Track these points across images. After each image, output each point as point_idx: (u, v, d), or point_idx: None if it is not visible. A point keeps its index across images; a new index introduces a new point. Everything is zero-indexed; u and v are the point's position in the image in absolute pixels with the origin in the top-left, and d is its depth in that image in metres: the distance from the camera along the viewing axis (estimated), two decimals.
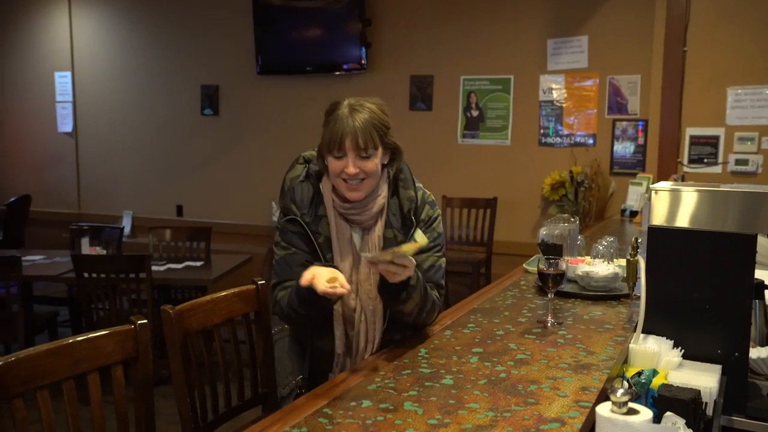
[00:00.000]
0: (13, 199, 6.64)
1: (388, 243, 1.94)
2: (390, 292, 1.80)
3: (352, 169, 1.85)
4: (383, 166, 1.96)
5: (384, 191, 1.97)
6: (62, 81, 7.34)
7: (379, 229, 1.96)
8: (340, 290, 1.66)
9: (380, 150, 1.90)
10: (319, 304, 1.77)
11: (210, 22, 6.56)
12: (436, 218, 2.03)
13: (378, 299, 1.93)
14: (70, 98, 7.32)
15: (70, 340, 1.66)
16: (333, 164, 1.89)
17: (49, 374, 1.58)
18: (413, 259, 1.73)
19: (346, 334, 1.97)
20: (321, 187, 2.00)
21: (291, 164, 2.11)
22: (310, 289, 1.70)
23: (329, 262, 1.92)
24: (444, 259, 2.01)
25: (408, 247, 1.71)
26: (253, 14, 6.15)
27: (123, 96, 7.09)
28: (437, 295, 1.95)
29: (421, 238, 1.78)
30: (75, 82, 7.29)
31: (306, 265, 1.84)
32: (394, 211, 1.99)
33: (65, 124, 7.36)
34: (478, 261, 5.14)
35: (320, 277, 1.68)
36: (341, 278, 1.69)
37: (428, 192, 2.06)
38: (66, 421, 1.63)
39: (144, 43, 6.96)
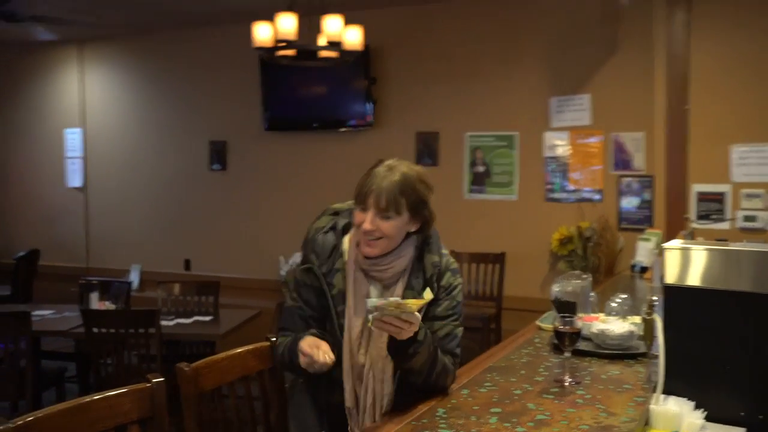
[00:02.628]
0: (21, 254, 6.64)
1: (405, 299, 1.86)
2: (398, 347, 1.77)
3: (368, 226, 1.85)
4: (409, 233, 1.95)
5: (409, 254, 1.96)
6: (72, 137, 7.46)
7: (399, 289, 1.95)
8: (318, 359, 1.75)
9: (405, 216, 1.88)
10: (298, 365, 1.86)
11: (218, 79, 6.69)
12: (457, 286, 1.99)
13: (388, 358, 1.89)
14: (80, 154, 7.42)
15: (87, 399, 1.64)
16: (357, 215, 1.90)
17: None
18: (418, 315, 1.71)
19: (355, 389, 1.94)
20: (343, 240, 2.00)
21: (318, 215, 2.10)
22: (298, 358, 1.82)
23: (340, 315, 1.93)
24: (461, 329, 1.98)
25: (414, 302, 1.68)
26: (260, 72, 6.25)
27: (133, 151, 7.19)
28: (451, 361, 1.91)
29: (428, 293, 1.75)
30: (86, 137, 7.40)
31: (308, 321, 1.96)
32: (416, 274, 1.97)
33: (75, 179, 7.44)
34: (488, 316, 5.09)
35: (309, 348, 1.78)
36: (324, 347, 1.77)
37: (453, 260, 2.04)
38: None
39: (154, 100, 7.09)
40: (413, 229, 1.94)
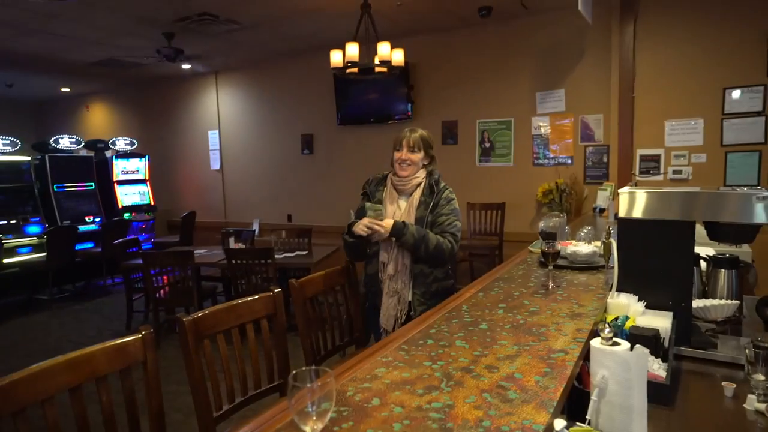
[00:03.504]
0: (184, 214, 6.88)
1: (421, 203, 2.22)
2: (392, 236, 2.13)
3: (404, 156, 2.22)
4: (424, 165, 2.27)
5: (421, 176, 2.27)
6: (213, 136, 7.61)
7: (417, 195, 2.25)
8: (360, 229, 2.12)
9: (422, 153, 2.24)
10: (356, 240, 2.18)
11: (306, 91, 6.68)
12: (453, 200, 2.26)
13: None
14: (217, 147, 7.58)
15: (234, 303, 1.73)
16: (395, 154, 2.24)
17: (223, 323, 1.66)
18: (386, 226, 2.11)
19: (387, 253, 2.19)
20: (387, 179, 2.31)
21: (372, 176, 2.41)
22: (353, 234, 2.16)
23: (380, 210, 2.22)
24: (459, 223, 2.23)
25: (389, 221, 2.12)
26: (334, 85, 6.23)
27: (251, 143, 7.29)
28: (450, 241, 2.16)
29: (379, 209, 2.16)
30: (221, 136, 7.54)
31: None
32: (426, 189, 2.26)
33: (215, 164, 7.62)
34: (493, 246, 5.08)
35: (358, 224, 2.14)
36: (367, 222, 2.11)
37: (450, 188, 2.31)
38: (234, 356, 1.71)
39: (263, 108, 7.14)
40: (426, 162, 2.28)
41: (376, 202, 2.25)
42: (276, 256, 4.32)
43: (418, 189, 2.25)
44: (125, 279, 4.73)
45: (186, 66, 6.66)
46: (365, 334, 2.25)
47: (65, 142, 7.33)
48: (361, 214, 2.24)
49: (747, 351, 1.34)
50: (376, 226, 2.09)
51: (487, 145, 5.55)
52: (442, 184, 2.27)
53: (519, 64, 5.29)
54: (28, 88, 8.33)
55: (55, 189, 6.77)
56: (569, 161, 5.10)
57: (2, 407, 1.10)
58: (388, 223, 2.11)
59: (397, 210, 2.24)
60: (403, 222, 2.13)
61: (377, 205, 2.15)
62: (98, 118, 8.99)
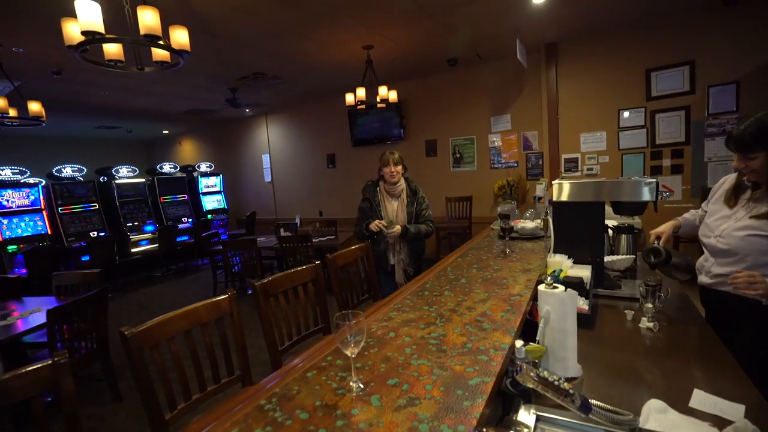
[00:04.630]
0: (248, 214, 6.88)
1: (408, 202, 2.33)
2: (401, 237, 2.27)
3: (393, 170, 2.32)
4: (401, 174, 2.38)
5: (403, 182, 2.39)
6: (265, 157, 7.56)
7: (404, 198, 2.37)
8: (376, 226, 2.21)
9: (400, 166, 2.34)
10: (371, 233, 2.26)
11: (328, 122, 6.60)
12: (425, 198, 2.42)
13: (404, 220, 2.32)
14: (269, 165, 7.55)
15: (288, 271, 1.75)
16: (384, 169, 2.34)
17: (282, 286, 1.67)
18: (398, 231, 2.22)
19: (394, 239, 2.30)
20: (378, 185, 2.40)
21: (366, 183, 2.46)
22: (369, 230, 2.24)
23: (380, 211, 2.32)
24: (430, 212, 2.39)
25: (396, 227, 2.23)
26: (348, 117, 6.18)
27: (291, 161, 7.24)
28: (430, 225, 2.32)
29: (397, 228, 2.23)
30: (271, 157, 7.52)
31: (364, 219, 2.33)
32: (408, 191, 2.39)
33: (267, 177, 7.59)
34: (465, 227, 5.06)
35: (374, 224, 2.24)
36: (379, 224, 2.22)
37: (421, 189, 2.44)
38: (291, 309, 1.73)
39: (300, 135, 7.08)
40: (402, 171, 2.39)
41: (376, 204, 2.35)
42: (313, 240, 4.32)
43: (403, 192, 2.37)
44: (211, 260, 4.75)
45: (246, 110, 6.64)
46: (379, 291, 2.27)
47: (167, 167, 7.37)
48: (362, 212, 2.39)
49: (640, 288, 1.36)
50: (393, 232, 2.23)
51: (458, 156, 5.52)
52: (418, 187, 2.43)
53: (478, 97, 5.23)
54: (141, 132, 8.35)
55: (161, 200, 6.84)
56: (515, 165, 5.08)
57: (143, 343, 1.20)
58: (398, 228, 2.27)
59: (393, 207, 2.38)
60: (406, 226, 2.29)
61: (392, 221, 2.28)
62: (188, 150, 8.97)
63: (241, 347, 1.44)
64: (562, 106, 4.59)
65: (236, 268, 4.37)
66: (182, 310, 1.29)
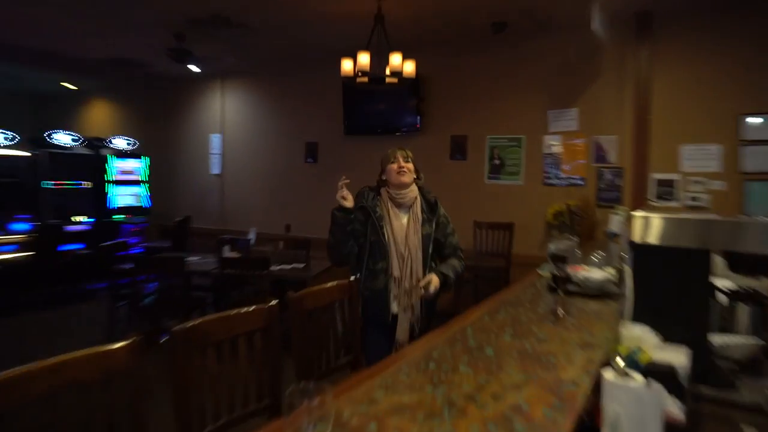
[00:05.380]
0: (179, 219, 6.87)
1: (424, 220, 2.38)
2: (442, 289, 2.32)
3: (402, 163, 2.36)
4: (414, 179, 2.42)
5: (415, 189, 2.42)
6: (215, 140, 7.63)
7: (417, 208, 2.39)
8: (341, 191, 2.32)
9: (411, 164, 2.40)
10: (341, 220, 2.34)
11: (313, 99, 6.70)
12: (449, 218, 2.48)
13: (419, 248, 2.35)
14: (219, 151, 7.59)
15: (228, 313, 1.70)
16: (390, 167, 2.39)
17: (215, 335, 1.63)
18: (435, 284, 2.25)
19: (400, 267, 2.31)
20: (380, 193, 2.45)
21: (362, 188, 2.55)
22: (338, 209, 2.34)
23: (383, 226, 2.34)
24: (457, 236, 2.49)
25: (434, 279, 2.26)
26: (342, 93, 6.24)
27: (253, 149, 7.30)
28: (461, 257, 2.45)
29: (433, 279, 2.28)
30: (224, 140, 7.56)
31: (348, 239, 2.40)
32: (423, 203, 2.43)
33: (215, 168, 7.62)
34: (500, 268, 5.03)
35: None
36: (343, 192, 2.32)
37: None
38: (223, 371, 1.67)
39: (268, 114, 7.17)
40: (414, 175, 2.42)
41: (377, 218, 2.37)
42: (272, 268, 4.28)
43: (416, 203, 2.39)
44: (112, 285, 4.68)
45: (193, 68, 6.71)
46: (362, 353, 2.21)
47: (63, 138, 7.34)
48: (353, 230, 2.42)
49: None
50: (431, 288, 2.25)
51: (497, 162, 5.55)
52: (437, 201, 2.47)
53: (532, 81, 5.30)
54: (28, 81, 8.38)
55: (51, 186, 6.75)
56: (581, 182, 5.09)
57: None
58: (436, 280, 2.28)
59: (402, 225, 2.35)
60: (443, 273, 2.32)
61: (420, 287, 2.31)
62: (99, 116, 9.05)
63: (137, 429, 1.37)
64: (657, 104, 4.64)
65: (150, 300, 4.32)
66: (49, 362, 1.22)
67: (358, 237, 2.38)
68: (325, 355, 2.08)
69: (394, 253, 2.32)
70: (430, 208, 2.41)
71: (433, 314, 2.41)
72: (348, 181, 2.32)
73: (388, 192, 2.41)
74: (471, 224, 5.35)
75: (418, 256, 2.34)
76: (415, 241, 2.34)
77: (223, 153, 7.56)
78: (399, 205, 2.39)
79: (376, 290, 2.32)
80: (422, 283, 2.23)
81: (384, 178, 2.42)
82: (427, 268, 2.36)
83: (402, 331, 2.28)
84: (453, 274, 2.34)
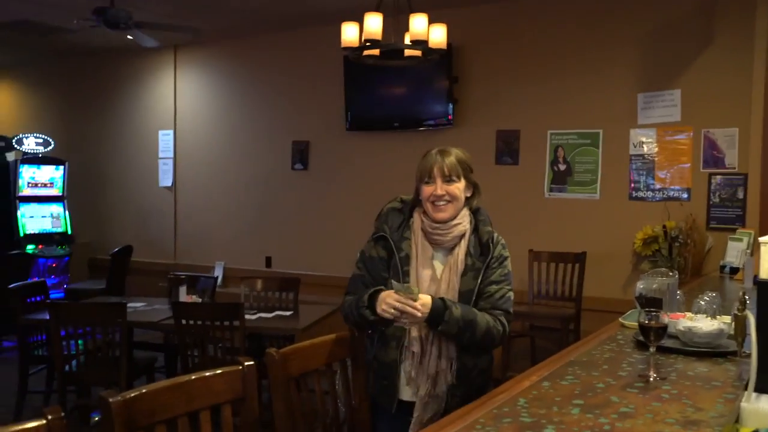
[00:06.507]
0: (116, 250, 6.94)
1: (468, 268, 2.27)
2: (429, 322, 2.15)
3: (439, 191, 2.24)
4: (466, 198, 2.33)
5: (465, 220, 2.32)
6: (165, 139, 7.79)
7: (461, 252, 2.29)
8: (385, 310, 2.11)
9: (463, 181, 2.29)
10: (371, 320, 2.19)
11: (303, 81, 6.84)
12: (507, 258, 2.35)
13: None
14: (171, 155, 7.74)
15: (185, 378, 1.74)
16: (424, 189, 2.28)
17: (167, 409, 1.66)
18: (422, 307, 2.08)
19: (421, 338, 2.23)
20: (412, 216, 2.36)
21: (385, 206, 2.46)
22: (371, 312, 2.16)
23: (406, 274, 2.27)
24: (512, 292, 2.34)
25: (425, 298, 2.11)
26: (344, 73, 6.36)
27: (219, 152, 7.44)
28: (504, 321, 2.26)
29: (416, 291, 2.10)
30: (176, 139, 7.71)
31: (368, 286, 2.27)
32: (473, 243, 2.32)
33: (166, 179, 7.76)
34: (567, 316, 5.02)
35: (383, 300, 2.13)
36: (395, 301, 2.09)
37: (500, 236, 2.39)
38: None
39: (241, 102, 7.32)
40: (469, 194, 2.34)
41: (402, 256, 2.27)
42: (247, 317, 4.31)
43: (463, 242, 2.30)
44: (20, 343, 4.74)
45: (132, 37, 6.87)
46: None
47: None
48: (371, 265, 2.33)
49: None
50: (409, 308, 2.07)
51: (563, 167, 5.58)
52: (496, 234, 2.36)
53: (613, 52, 5.37)
54: None
55: None
56: (685, 195, 5.10)
57: None
58: (426, 301, 2.11)
59: (434, 275, 2.27)
60: (444, 301, 2.15)
61: (410, 286, 2.12)
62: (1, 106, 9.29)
63: None
64: None
65: (75, 363, 4.37)
66: None
67: (377, 279, 2.29)
68: None
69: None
70: (484, 247, 2.30)
71: (484, 382, 2.31)
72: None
73: (422, 219, 2.32)
74: (525, 255, 5.36)
75: None
76: (451, 295, 2.24)
77: (177, 157, 7.70)
78: (434, 241, 2.30)
79: (384, 363, 2.25)
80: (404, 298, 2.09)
81: (419, 195, 2.32)
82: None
83: (419, 416, 2.19)
84: (462, 318, 2.13)
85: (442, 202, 2.24)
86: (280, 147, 7.00)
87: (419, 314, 2.08)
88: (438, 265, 2.30)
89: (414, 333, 2.22)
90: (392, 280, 2.20)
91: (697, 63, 5.04)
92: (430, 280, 2.26)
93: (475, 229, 2.33)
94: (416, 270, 2.27)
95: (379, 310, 2.13)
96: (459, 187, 2.27)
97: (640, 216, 5.19)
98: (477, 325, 2.17)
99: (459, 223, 2.29)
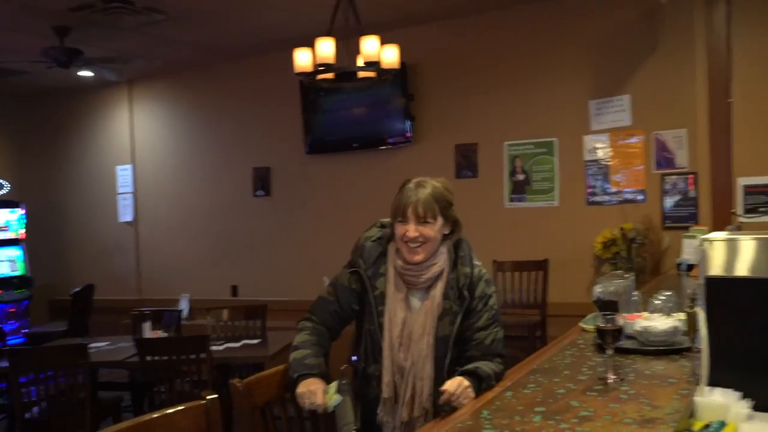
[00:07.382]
0: (77, 290, 6.83)
1: (445, 312, 2.16)
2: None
3: (412, 233, 2.09)
4: (445, 235, 2.19)
5: (442, 260, 2.19)
6: (123, 174, 7.73)
7: (438, 295, 2.16)
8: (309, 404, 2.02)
9: (440, 220, 2.14)
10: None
11: (260, 107, 6.85)
12: (491, 296, 2.22)
13: (428, 357, 2.13)
14: (130, 189, 7.66)
15: (147, 418, 1.71)
16: (398, 228, 2.14)
17: None
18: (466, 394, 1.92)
19: (394, 383, 2.14)
20: (388, 248, 2.22)
21: (369, 227, 2.34)
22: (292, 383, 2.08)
23: (380, 314, 2.17)
24: (502, 331, 2.23)
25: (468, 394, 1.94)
26: (300, 98, 6.39)
27: (179, 184, 7.40)
28: (499, 364, 2.13)
29: (333, 396, 2.00)
30: (136, 174, 7.64)
31: (333, 316, 2.25)
32: (452, 285, 2.19)
33: (126, 214, 7.68)
34: (533, 324, 5.07)
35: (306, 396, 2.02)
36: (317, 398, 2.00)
37: (485, 270, 2.26)
38: None
39: (198, 132, 7.30)
40: (447, 231, 2.19)
41: (376, 295, 2.17)
42: (213, 348, 4.28)
43: (438, 281, 2.17)
44: None
45: (86, 73, 6.82)
46: None
47: None
48: (342, 294, 2.25)
49: None
50: (462, 401, 1.91)
51: (521, 177, 5.66)
52: (477, 270, 2.21)
53: (563, 62, 5.47)
54: None
55: None
56: (640, 197, 5.20)
57: None
58: (466, 389, 1.95)
59: (410, 317, 2.15)
60: (479, 374, 2.02)
61: (340, 399, 1.99)
62: None
63: None
64: (738, 83, 4.78)
65: (37, 409, 4.28)
66: None
67: (348, 317, 2.24)
68: None
69: (388, 360, 2.13)
70: (465, 291, 2.16)
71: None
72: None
73: (397, 259, 2.18)
74: (489, 266, 5.40)
75: (426, 369, 2.12)
76: (423, 346, 2.12)
77: (137, 192, 7.63)
78: (410, 282, 2.18)
79: (368, 399, 2.20)
80: (443, 399, 1.92)
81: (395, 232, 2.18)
82: (436, 388, 2.05)
83: None
84: (494, 377, 2.05)
85: (415, 244, 2.10)
86: (240, 174, 6.98)
87: (467, 401, 1.92)
88: (414, 305, 2.18)
89: (386, 391, 2.13)
90: (338, 395, 2.02)
91: (643, 68, 5.16)
92: (404, 324, 2.14)
93: (454, 269, 2.20)
94: (390, 311, 2.16)
95: (298, 400, 2.05)
96: (434, 228, 2.12)
97: (598, 220, 5.27)
98: (491, 378, 2.04)
99: (434, 264, 2.16)
